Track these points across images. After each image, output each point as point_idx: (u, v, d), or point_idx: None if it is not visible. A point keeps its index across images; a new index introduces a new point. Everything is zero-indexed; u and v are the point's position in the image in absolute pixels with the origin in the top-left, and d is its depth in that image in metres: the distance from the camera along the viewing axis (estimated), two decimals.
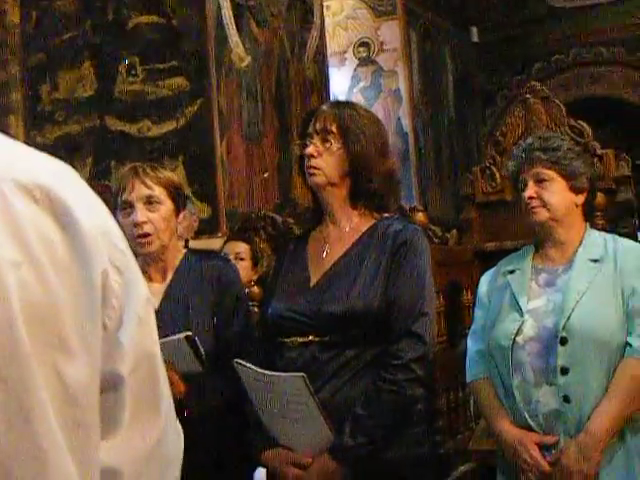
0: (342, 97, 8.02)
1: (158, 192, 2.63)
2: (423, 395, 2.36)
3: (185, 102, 5.54)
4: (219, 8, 5.40)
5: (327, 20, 7.37)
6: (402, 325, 2.29)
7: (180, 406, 2.45)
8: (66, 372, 0.81)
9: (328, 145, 2.41)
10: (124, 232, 2.45)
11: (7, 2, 5.94)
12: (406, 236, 2.37)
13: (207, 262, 2.74)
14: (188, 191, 5.49)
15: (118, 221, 2.65)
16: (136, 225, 2.60)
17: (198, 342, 2.39)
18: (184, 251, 2.77)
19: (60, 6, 5.87)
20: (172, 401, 0.97)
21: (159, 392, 0.93)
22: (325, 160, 2.41)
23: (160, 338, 2.28)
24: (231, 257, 4.09)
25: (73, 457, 0.81)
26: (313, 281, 2.42)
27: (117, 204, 2.65)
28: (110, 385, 0.87)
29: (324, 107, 2.53)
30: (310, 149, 2.42)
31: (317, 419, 2.23)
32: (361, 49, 8.88)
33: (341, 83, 8.65)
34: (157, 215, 2.62)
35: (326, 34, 6.86)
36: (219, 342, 2.60)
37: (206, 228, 5.28)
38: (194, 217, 5.01)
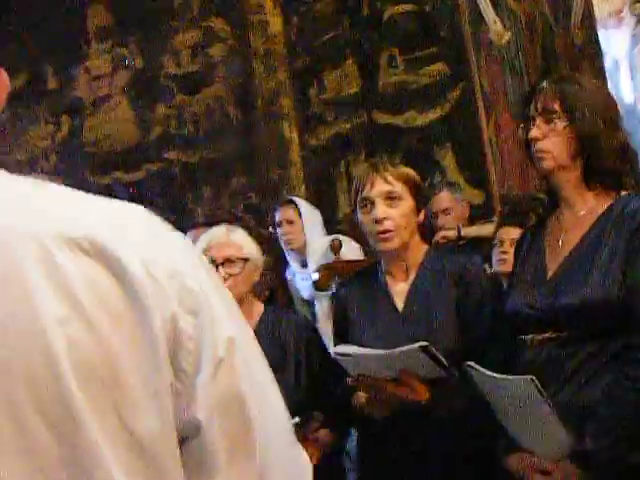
0: (623, 60, 7.52)
1: (399, 188, 2.58)
2: None
3: (447, 88, 5.44)
4: None
5: None
6: None
7: (427, 412, 2.38)
8: (134, 424, 0.79)
9: (553, 126, 2.21)
10: (364, 229, 2.46)
11: (268, 13, 6.13)
12: None
13: (450, 258, 2.65)
14: (459, 178, 5.40)
15: (358, 218, 2.63)
16: (376, 222, 2.55)
17: (434, 350, 2.28)
18: (426, 248, 2.69)
19: (318, 9, 5.97)
20: (283, 438, 0.93)
21: (252, 435, 0.88)
22: (552, 142, 2.21)
23: (408, 338, 2.23)
24: (507, 244, 3.94)
25: None
26: (550, 272, 2.24)
27: (357, 201, 2.63)
28: (191, 432, 0.84)
29: (544, 84, 2.31)
30: (534, 132, 2.23)
31: (553, 423, 2.05)
32: (638, 5, 8.28)
33: (620, 45, 8.12)
34: (397, 211, 2.57)
35: None
36: (464, 341, 2.49)
37: (480, 213, 5.14)
38: (464, 204, 4.90)
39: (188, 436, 0.84)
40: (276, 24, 6.14)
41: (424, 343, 2.25)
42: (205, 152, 6.40)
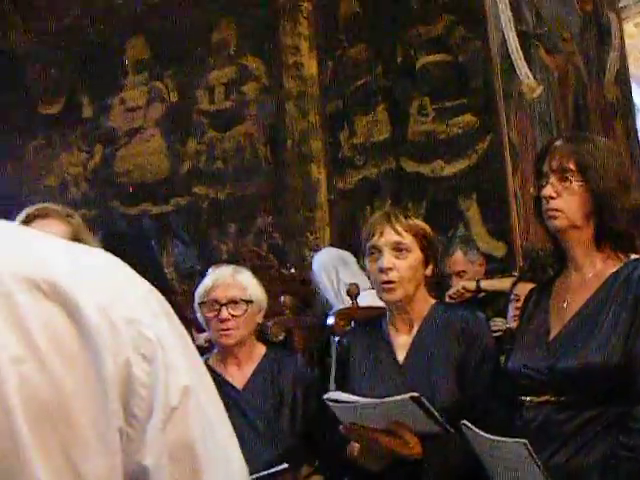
0: None
1: (408, 240, 2.58)
2: None
3: (476, 139, 5.42)
4: (504, 40, 5.23)
5: (635, 39, 6.94)
6: None
7: (420, 468, 2.35)
8: (82, 466, 0.79)
9: (567, 184, 2.20)
10: (372, 277, 2.46)
11: (304, 55, 6.17)
12: None
13: (454, 313, 2.63)
14: (482, 230, 5.36)
15: (366, 265, 2.62)
16: (382, 271, 2.55)
17: (426, 402, 2.25)
18: (432, 302, 2.67)
19: (353, 54, 6.01)
20: None
21: None
22: (566, 201, 2.20)
23: (403, 391, 2.20)
24: (522, 300, 3.90)
25: None
26: (552, 334, 2.21)
27: (365, 249, 2.62)
28: (140, 477, 0.84)
29: (558, 143, 2.30)
30: (548, 190, 2.22)
31: None
32: None
33: None
34: (404, 263, 2.57)
35: (635, 53, 6.46)
36: (463, 398, 2.46)
37: (501, 267, 5.10)
38: (478, 262, 4.86)
39: None
40: (311, 67, 6.18)
41: (415, 394, 2.23)
42: (233, 189, 6.43)
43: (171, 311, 0.94)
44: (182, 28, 6.60)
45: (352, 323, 4.23)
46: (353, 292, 4.52)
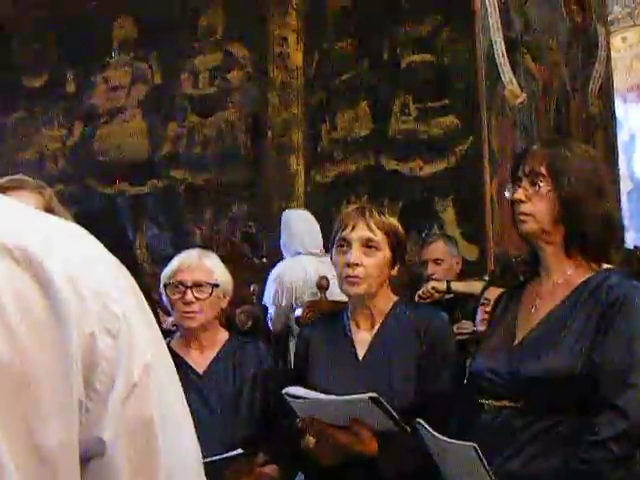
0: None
1: (379, 237, 2.56)
2: (624, 478, 2.00)
3: (455, 141, 5.44)
4: (491, 44, 5.24)
5: (621, 52, 6.97)
6: (604, 396, 2.00)
7: (372, 465, 2.34)
8: (40, 436, 0.79)
9: (537, 188, 2.18)
10: (336, 269, 2.45)
11: (291, 46, 6.16)
12: (621, 292, 2.07)
13: (417, 312, 2.62)
14: (457, 232, 5.38)
15: (332, 257, 2.61)
16: (349, 265, 2.53)
17: (385, 404, 2.24)
18: (395, 299, 2.66)
19: (340, 48, 6.00)
20: (190, 471, 0.92)
21: (156, 463, 0.87)
22: (535, 205, 2.18)
23: (366, 388, 2.19)
24: (492, 304, 3.91)
25: None
26: (517, 339, 2.20)
27: (334, 240, 2.61)
28: (96, 451, 0.84)
29: (534, 147, 2.29)
30: (518, 194, 2.19)
31: None
32: None
33: (638, 119, 8.13)
34: (372, 260, 2.55)
35: (621, 67, 6.49)
36: (421, 398, 2.46)
37: (473, 270, 5.11)
38: (456, 259, 4.88)
39: (92, 456, 0.84)
40: (296, 58, 6.17)
41: (374, 394, 2.22)
42: (211, 175, 6.41)
43: (137, 288, 0.94)
44: (170, 11, 6.57)
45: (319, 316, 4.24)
46: (323, 285, 4.52)
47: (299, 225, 5.15)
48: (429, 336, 2.53)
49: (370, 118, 5.84)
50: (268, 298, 5.01)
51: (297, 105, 6.16)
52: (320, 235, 4.99)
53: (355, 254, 2.54)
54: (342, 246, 2.58)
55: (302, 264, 4.99)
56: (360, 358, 2.58)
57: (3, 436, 0.77)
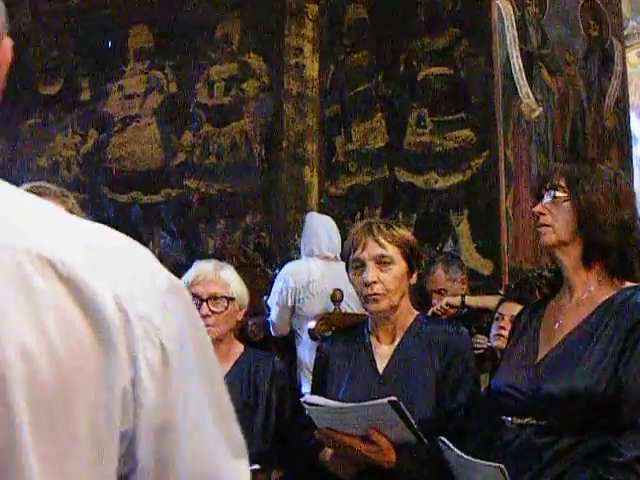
0: None
1: (392, 251, 2.56)
2: None
3: (471, 154, 5.42)
4: (508, 58, 5.24)
5: (637, 67, 6.95)
6: (629, 416, 1.97)
7: (392, 476, 2.33)
8: (72, 459, 0.76)
9: (556, 200, 2.20)
10: (355, 290, 2.45)
11: (307, 57, 6.16)
12: None
13: (438, 327, 2.62)
14: (471, 246, 5.36)
15: (350, 278, 2.61)
16: (367, 285, 2.53)
17: (404, 408, 2.23)
18: (416, 314, 2.66)
19: (356, 60, 6.00)
20: None
21: None
22: (554, 216, 2.19)
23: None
24: (506, 319, 3.90)
25: None
26: (540, 356, 2.19)
27: (349, 261, 2.61)
28: (127, 472, 0.83)
29: (558, 164, 2.30)
30: (538, 207, 2.22)
31: None
32: None
33: None
34: (389, 275, 2.54)
35: (636, 82, 6.48)
36: (441, 413, 2.45)
37: (487, 284, 5.10)
38: (460, 279, 4.85)
39: (125, 475, 0.82)
40: (312, 69, 6.17)
41: (393, 398, 2.21)
42: (225, 185, 6.41)
43: (190, 306, 0.91)
44: (187, 20, 6.58)
45: (332, 329, 4.23)
46: (337, 298, 4.51)
47: (320, 227, 5.17)
48: (450, 351, 2.52)
49: (385, 130, 5.84)
50: (272, 297, 5.02)
51: (312, 116, 6.16)
52: (339, 241, 5.00)
53: (371, 273, 2.53)
54: (357, 267, 2.59)
55: (308, 266, 5.00)
56: (381, 372, 2.57)
57: (36, 457, 0.74)
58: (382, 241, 2.55)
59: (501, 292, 4.96)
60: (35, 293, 0.75)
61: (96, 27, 6.96)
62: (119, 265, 0.83)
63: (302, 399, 2.41)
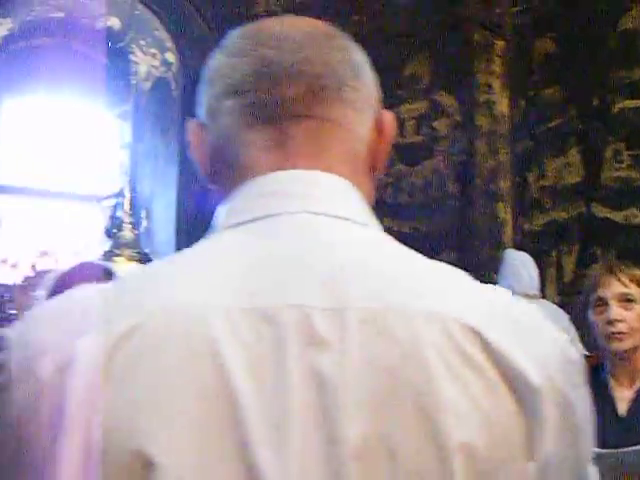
0: None
1: (634, 291, 2.59)
2: None
3: None
4: None
5: None
6: None
7: None
8: None
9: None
10: (597, 329, 2.54)
11: (497, 93, 6.09)
12: None
13: None
14: None
15: (589, 317, 2.69)
16: (610, 323, 2.56)
17: None
18: None
19: (547, 95, 5.88)
20: None
21: None
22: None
23: (627, 445, 2.17)
24: None
25: None
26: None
27: (589, 300, 2.65)
28: None
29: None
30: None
31: None
32: None
33: None
34: (632, 314, 2.57)
35: None
36: None
37: None
38: None
39: None
40: (502, 105, 6.10)
41: None
42: (417, 223, 6.42)
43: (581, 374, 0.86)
44: (374, 60, 6.63)
45: None
46: None
47: (519, 264, 5.07)
48: None
49: (581, 165, 5.69)
50: None
51: (504, 152, 6.08)
52: (538, 278, 4.91)
53: (615, 311, 2.57)
54: (599, 305, 2.61)
55: None
56: (622, 415, 2.55)
57: None
58: (625, 280, 2.59)
59: None
60: (468, 362, 0.73)
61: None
62: (529, 331, 0.79)
63: None
